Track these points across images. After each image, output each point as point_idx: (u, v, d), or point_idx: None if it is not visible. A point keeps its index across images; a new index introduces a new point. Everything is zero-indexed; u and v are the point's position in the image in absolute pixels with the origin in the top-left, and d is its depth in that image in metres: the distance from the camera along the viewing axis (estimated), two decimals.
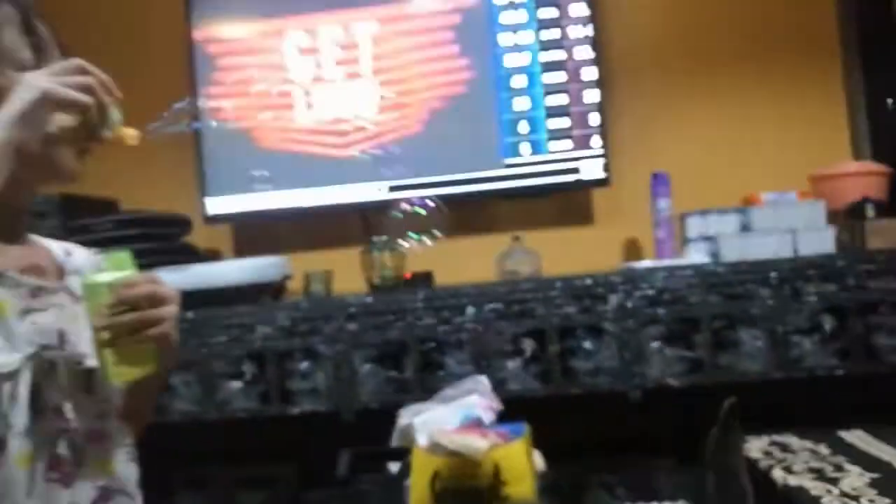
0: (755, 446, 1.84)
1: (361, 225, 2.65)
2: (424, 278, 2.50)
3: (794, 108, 2.66)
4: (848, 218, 2.27)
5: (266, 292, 2.47)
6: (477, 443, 1.47)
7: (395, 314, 2.30)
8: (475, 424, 1.55)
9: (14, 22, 0.91)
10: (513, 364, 2.26)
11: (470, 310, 2.28)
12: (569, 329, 2.25)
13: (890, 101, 2.54)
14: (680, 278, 2.21)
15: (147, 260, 2.50)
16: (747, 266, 2.20)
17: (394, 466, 2.12)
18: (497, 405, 1.66)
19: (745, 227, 2.30)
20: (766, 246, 2.26)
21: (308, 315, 2.34)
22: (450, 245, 2.69)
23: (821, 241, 2.26)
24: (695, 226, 2.34)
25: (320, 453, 2.44)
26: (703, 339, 2.19)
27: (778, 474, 1.60)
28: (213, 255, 2.79)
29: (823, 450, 1.77)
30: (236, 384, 2.35)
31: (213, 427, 2.37)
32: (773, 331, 2.18)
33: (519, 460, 1.50)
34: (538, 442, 1.94)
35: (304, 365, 2.33)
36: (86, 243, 2.54)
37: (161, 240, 2.62)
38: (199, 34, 2.67)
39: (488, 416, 1.59)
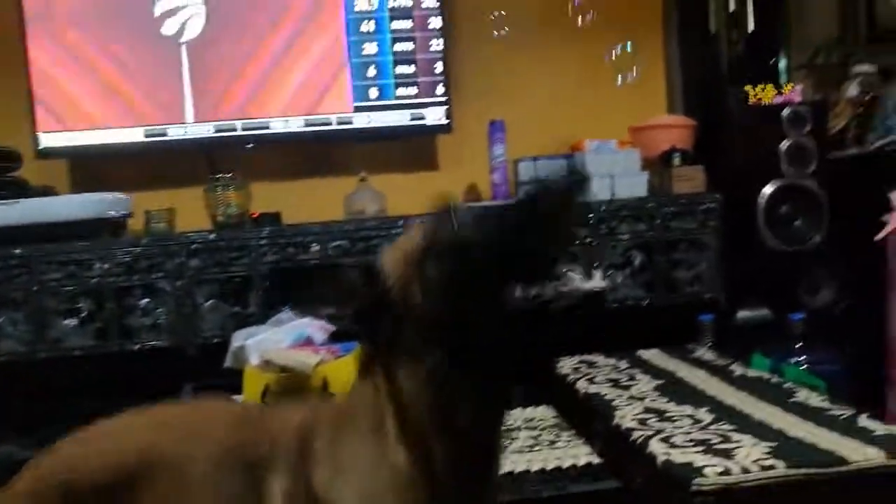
0: (567, 365, 2.02)
1: (206, 163, 2.58)
2: (272, 217, 2.49)
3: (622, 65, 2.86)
4: (658, 165, 2.50)
5: (104, 229, 2.37)
6: (306, 358, 1.52)
7: (238, 251, 2.29)
8: (306, 343, 1.60)
9: None
10: None
11: (315, 247, 2.31)
12: None
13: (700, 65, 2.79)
14: None
15: None
16: None
17: (238, 398, 2.14)
18: (330, 326, 1.72)
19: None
20: (588, 189, 2.44)
21: (148, 251, 2.27)
22: (299, 186, 2.72)
23: (635, 185, 2.47)
24: (526, 170, 2.49)
25: (164, 388, 2.41)
26: None
27: (581, 385, 1.78)
28: (47, 192, 2.62)
29: (623, 364, 1.97)
30: (71, 321, 2.25)
31: (45, 366, 2.27)
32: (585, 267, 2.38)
33: (348, 374, 1.57)
34: None
35: (145, 301, 2.27)
36: None
37: None
38: None
39: (320, 336, 1.64)
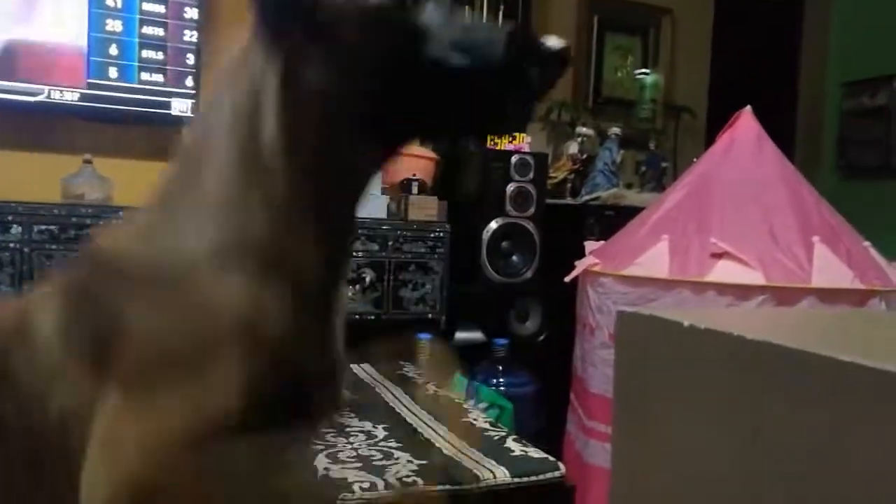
0: None
1: None
2: None
3: None
4: (398, 191, 2.58)
5: None
6: None
7: None
8: None
9: None
10: None
11: (16, 228, 2.05)
12: None
13: None
14: None
15: None
16: None
17: None
18: None
19: None
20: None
21: None
22: (12, 159, 2.40)
23: (376, 207, 2.52)
24: None
25: None
26: None
27: None
28: None
29: None
30: None
31: None
32: None
33: None
34: None
35: None
36: None
37: None
38: None
39: None
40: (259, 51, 0.63)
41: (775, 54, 3.93)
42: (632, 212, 2.46)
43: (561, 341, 2.53)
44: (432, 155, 2.75)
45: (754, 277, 1.81)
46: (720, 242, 1.87)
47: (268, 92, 0.61)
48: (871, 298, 1.78)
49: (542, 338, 2.70)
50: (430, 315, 2.53)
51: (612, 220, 2.64)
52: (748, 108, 2.21)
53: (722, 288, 1.80)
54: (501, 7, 2.96)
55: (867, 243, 2.00)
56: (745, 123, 2.18)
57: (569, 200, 2.94)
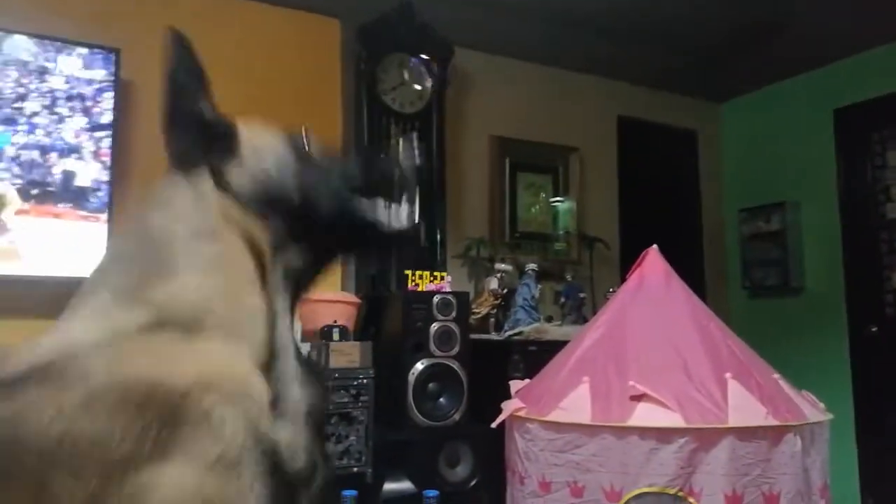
0: None
1: None
2: None
3: None
4: (318, 338, 2.53)
5: None
6: None
7: None
8: None
9: None
10: None
11: None
12: None
13: None
14: None
15: None
16: None
17: None
18: None
19: None
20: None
21: None
22: None
23: None
24: None
25: None
26: None
27: None
28: None
29: None
30: None
31: None
32: None
33: None
34: None
35: None
36: None
37: None
38: None
39: None
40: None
41: (677, 183, 4.21)
42: (554, 346, 2.47)
43: (493, 488, 2.45)
44: (354, 300, 2.74)
45: (674, 419, 1.82)
46: (638, 384, 1.89)
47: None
48: (787, 434, 1.82)
49: (473, 483, 2.61)
50: (355, 469, 2.43)
51: (536, 354, 2.66)
52: (654, 246, 2.31)
53: (644, 432, 1.81)
54: (417, 152, 3.06)
55: (777, 375, 2.06)
56: (653, 262, 2.27)
57: (493, 336, 2.95)
